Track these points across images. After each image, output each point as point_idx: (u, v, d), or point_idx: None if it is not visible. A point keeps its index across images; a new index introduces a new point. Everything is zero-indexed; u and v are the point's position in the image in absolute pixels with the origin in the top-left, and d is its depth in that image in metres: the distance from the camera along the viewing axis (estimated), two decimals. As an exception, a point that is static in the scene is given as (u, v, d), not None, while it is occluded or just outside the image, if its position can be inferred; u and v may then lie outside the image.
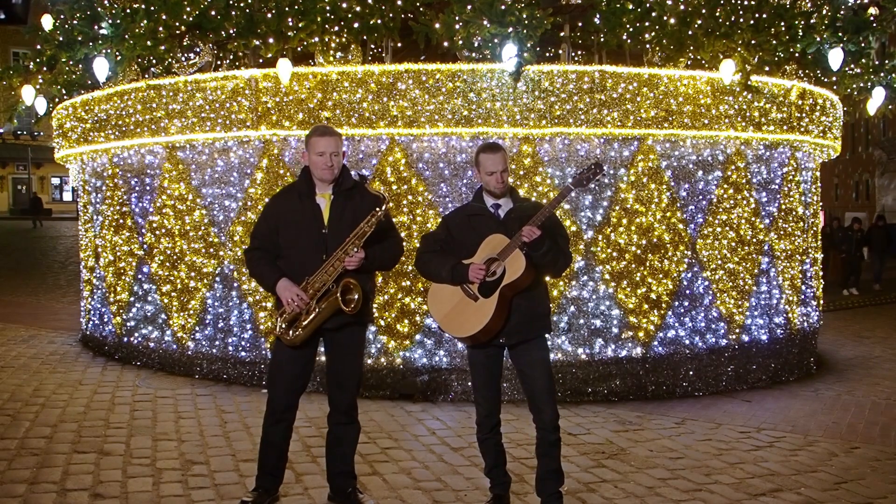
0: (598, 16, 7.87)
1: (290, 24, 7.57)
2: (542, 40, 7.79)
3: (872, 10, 9.00)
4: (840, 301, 17.27)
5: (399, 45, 8.28)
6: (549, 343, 4.71)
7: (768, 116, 8.39)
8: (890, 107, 9.48)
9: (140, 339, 8.86)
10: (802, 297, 9.36)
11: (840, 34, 8.58)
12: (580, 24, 8.46)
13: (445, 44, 7.70)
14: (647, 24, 7.77)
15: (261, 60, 8.46)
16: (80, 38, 8.63)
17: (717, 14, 7.83)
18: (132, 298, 8.96)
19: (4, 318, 12.08)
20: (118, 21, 8.08)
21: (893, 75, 9.14)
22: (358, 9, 7.55)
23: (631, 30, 7.80)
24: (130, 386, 7.88)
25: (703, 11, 7.80)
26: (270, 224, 4.61)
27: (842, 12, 8.88)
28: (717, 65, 7.87)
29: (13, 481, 5.07)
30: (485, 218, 4.54)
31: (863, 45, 8.84)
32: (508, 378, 7.07)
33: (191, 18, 7.91)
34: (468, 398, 7.27)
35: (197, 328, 8.32)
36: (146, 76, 8.55)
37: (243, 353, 8.06)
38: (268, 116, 7.65)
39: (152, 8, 7.95)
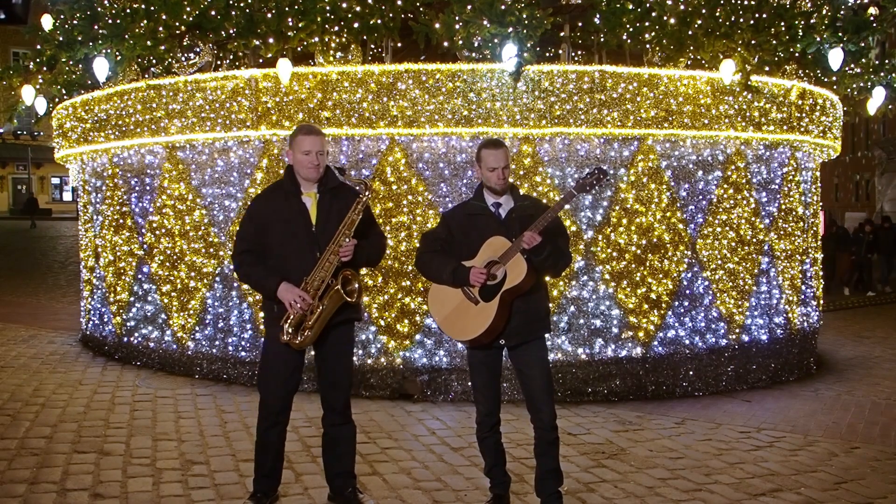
0: (598, 16, 7.87)
1: (290, 24, 7.56)
2: (542, 40, 7.79)
3: (872, 10, 9.00)
4: (840, 301, 17.27)
5: (399, 45, 8.29)
6: (548, 343, 4.72)
7: (768, 116, 8.39)
8: (890, 107, 9.48)
9: (140, 339, 8.86)
10: (802, 297, 9.36)
11: (840, 34, 8.58)
12: (580, 24, 8.46)
13: (445, 44, 7.71)
14: (647, 24, 7.77)
15: (261, 60, 8.46)
16: (80, 38, 8.63)
17: (717, 14, 7.83)
18: (132, 298, 8.96)
19: (4, 318, 12.08)
20: (118, 21, 8.08)
21: (893, 75, 9.14)
22: (358, 9, 7.54)
23: (631, 30, 7.80)
24: (130, 386, 7.88)
25: (703, 11, 7.80)
26: (256, 224, 4.53)
27: (842, 12, 8.88)
28: (717, 65, 7.87)
29: (13, 481, 5.07)
30: (485, 218, 4.52)
31: (863, 45, 8.84)
32: (508, 378, 7.07)
33: (191, 18, 7.91)
34: (468, 398, 7.27)
35: (197, 328, 8.33)
36: (146, 76, 8.55)
37: (243, 353, 8.06)
38: (268, 116, 7.65)
39: (152, 8, 7.95)
